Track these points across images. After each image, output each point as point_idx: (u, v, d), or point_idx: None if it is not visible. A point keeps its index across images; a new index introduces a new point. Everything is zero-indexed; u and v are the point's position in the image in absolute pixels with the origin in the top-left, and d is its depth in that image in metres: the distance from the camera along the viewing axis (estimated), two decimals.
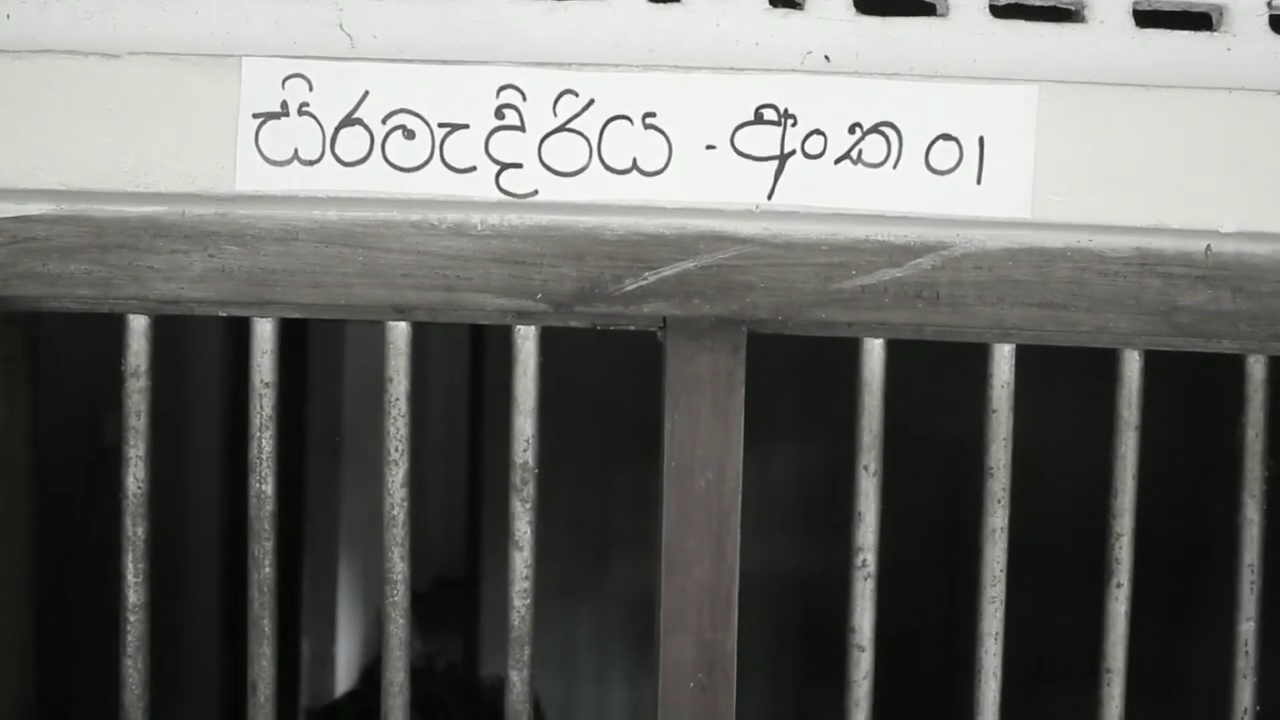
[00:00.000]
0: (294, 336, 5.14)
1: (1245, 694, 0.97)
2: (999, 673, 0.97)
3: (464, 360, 4.63)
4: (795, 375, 3.89)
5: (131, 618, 0.97)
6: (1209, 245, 0.89)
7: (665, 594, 0.92)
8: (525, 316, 0.91)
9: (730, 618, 0.92)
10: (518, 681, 0.95)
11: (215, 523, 3.93)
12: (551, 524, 4.19)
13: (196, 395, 3.90)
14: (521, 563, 0.95)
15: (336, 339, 5.15)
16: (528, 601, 0.95)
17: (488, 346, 4.33)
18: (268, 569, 0.97)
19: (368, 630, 3.88)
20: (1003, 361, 0.94)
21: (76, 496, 2.68)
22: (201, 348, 3.93)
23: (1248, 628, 0.97)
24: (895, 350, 0.94)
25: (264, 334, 0.96)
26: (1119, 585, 0.97)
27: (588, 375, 4.01)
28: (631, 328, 0.91)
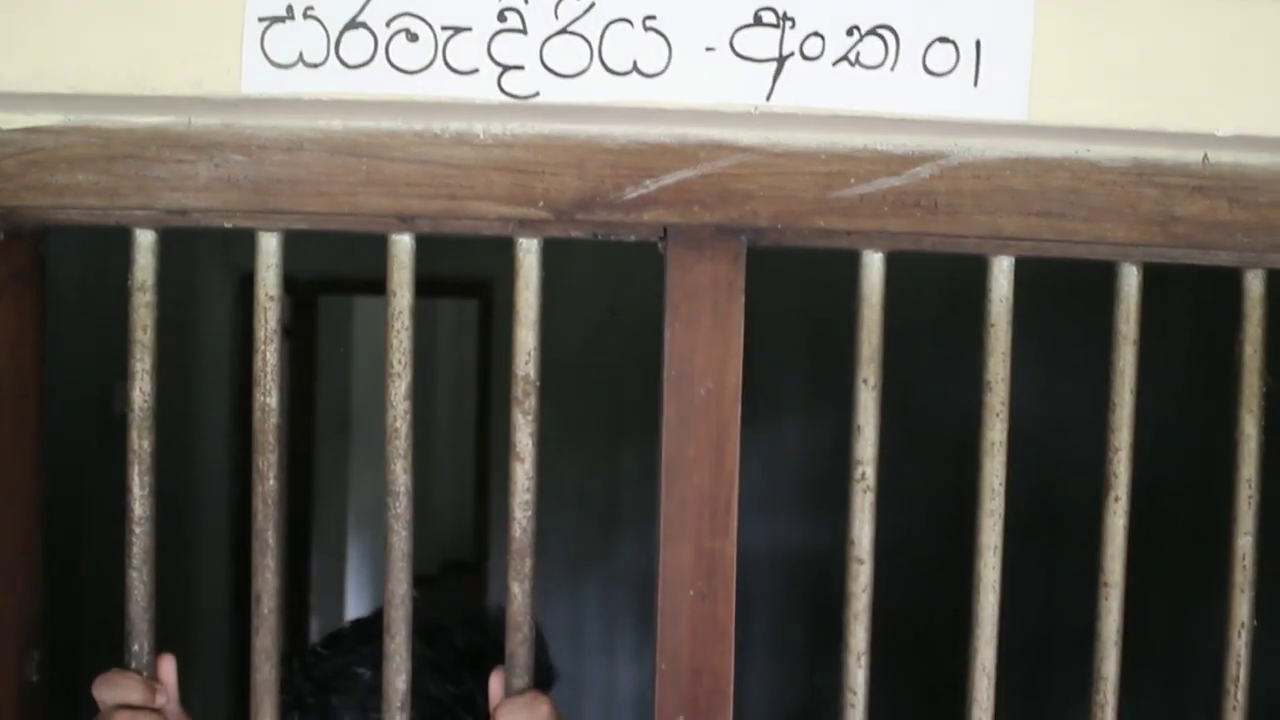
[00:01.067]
0: (304, 319, 5.16)
1: (1243, 608, 0.98)
2: (998, 586, 0.97)
3: (471, 348, 4.66)
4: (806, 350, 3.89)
5: (137, 530, 0.98)
6: (1206, 155, 0.90)
7: (665, 503, 0.93)
8: (527, 225, 0.92)
9: (730, 526, 0.92)
10: (519, 594, 0.96)
11: (225, 445, 3.96)
12: (561, 504, 4.18)
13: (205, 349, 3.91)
14: (523, 474, 0.95)
15: (345, 320, 5.16)
16: (529, 514, 0.96)
17: (494, 335, 4.35)
18: (272, 482, 0.98)
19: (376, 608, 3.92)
20: (1001, 276, 0.95)
21: (87, 467, 2.70)
22: (213, 306, 3.94)
23: (1245, 542, 0.98)
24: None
25: (269, 248, 0.97)
26: (1117, 499, 0.97)
27: (597, 355, 4.03)
28: (632, 238, 0.92)
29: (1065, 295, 2.56)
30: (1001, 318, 0.96)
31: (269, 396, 0.97)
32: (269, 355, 0.97)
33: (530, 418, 0.96)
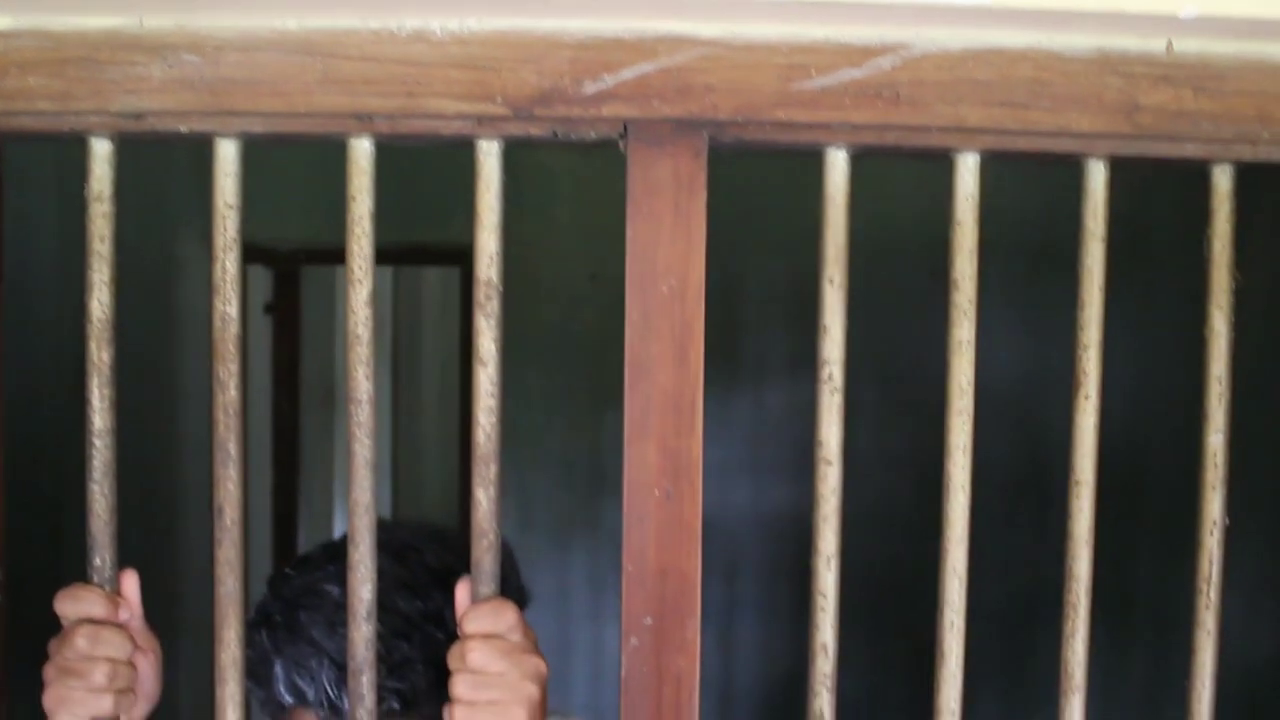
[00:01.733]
0: (288, 292, 5.13)
1: (1215, 506, 0.97)
2: (968, 486, 0.97)
3: (455, 327, 4.65)
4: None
5: (98, 443, 0.97)
6: (1170, 42, 0.89)
7: (629, 402, 0.92)
8: (486, 123, 0.90)
9: (695, 425, 0.92)
10: (484, 500, 0.95)
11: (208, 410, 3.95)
12: (545, 471, 4.17)
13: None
14: (486, 380, 0.95)
15: (328, 294, 5.14)
16: (494, 419, 0.95)
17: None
18: (233, 392, 0.97)
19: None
20: (966, 173, 0.94)
21: (64, 433, 2.69)
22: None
23: (1216, 440, 0.97)
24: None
25: (227, 156, 0.95)
26: (1086, 398, 0.97)
27: (578, 321, 4.02)
28: (592, 134, 0.91)
29: (1051, 261, 2.55)
30: (968, 215, 0.95)
31: (228, 305, 0.96)
32: (228, 264, 0.96)
33: (493, 322, 0.95)
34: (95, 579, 0.98)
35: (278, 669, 1.09)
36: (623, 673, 0.93)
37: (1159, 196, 3.91)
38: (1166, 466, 3.80)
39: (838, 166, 0.94)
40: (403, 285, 5.88)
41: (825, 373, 0.95)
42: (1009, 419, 3.93)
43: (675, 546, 0.92)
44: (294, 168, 3.14)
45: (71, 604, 0.96)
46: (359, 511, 0.96)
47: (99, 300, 0.96)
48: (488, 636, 0.94)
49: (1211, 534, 0.97)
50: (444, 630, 1.09)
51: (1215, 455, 0.97)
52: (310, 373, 4.97)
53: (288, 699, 1.09)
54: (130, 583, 0.99)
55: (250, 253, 3.49)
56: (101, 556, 0.98)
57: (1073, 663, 0.98)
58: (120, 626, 0.97)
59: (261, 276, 5.16)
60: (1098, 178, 0.95)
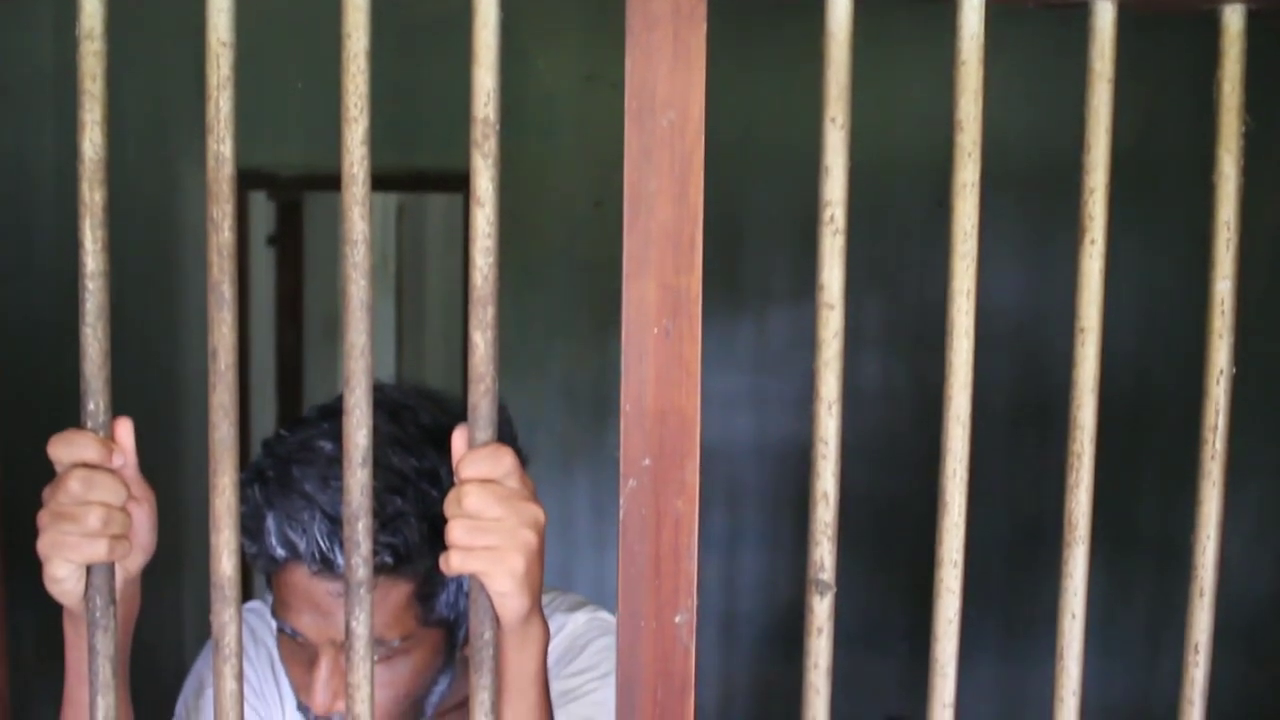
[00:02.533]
0: (291, 224, 5.11)
1: (1221, 355, 0.96)
2: (972, 332, 0.95)
3: (458, 261, 4.63)
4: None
5: (90, 285, 0.96)
6: None
7: (627, 239, 0.91)
8: None
9: (694, 262, 0.90)
10: (481, 343, 0.94)
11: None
12: (549, 397, 4.17)
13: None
14: (483, 220, 0.93)
15: (331, 226, 5.12)
16: (490, 260, 0.94)
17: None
18: (227, 233, 0.96)
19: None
20: (971, 13, 0.92)
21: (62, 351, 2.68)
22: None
23: (1224, 287, 0.96)
24: None
25: None
26: (1093, 242, 0.95)
27: (583, 247, 4.00)
28: None
29: (1053, 189, 2.53)
30: (972, 55, 0.93)
31: (222, 145, 0.95)
32: (221, 102, 0.94)
33: (490, 161, 0.94)
34: (89, 424, 0.97)
35: (269, 522, 1.08)
36: (621, 515, 0.92)
37: (1166, 129, 3.88)
38: (1170, 400, 3.80)
39: (840, 4, 0.92)
40: (406, 219, 5.86)
41: (827, 214, 0.93)
42: (1013, 347, 3.91)
43: (674, 385, 0.91)
44: (295, 92, 3.12)
45: (65, 448, 0.95)
46: (354, 355, 0.95)
47: (90, 140, 0.95)
48: (484, 481, 0.94)
49: (1218, 383, 0.96)
50: (438, 488, 1.08)
51: (1223, 302, 0.95)
52: (313, 305, 4.97)
53: (279, 552, 1.08)
54: (125, 430, 0.98)
55: (251, 178, 3.50)
56: (95, 402, 0.97)
57: (1076, 514, 0.97)
58: (114, 473, 0.97)
59: (264, 208, 5.14)
60: (1105, 17, 0.93)
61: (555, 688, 1.11)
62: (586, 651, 1.25)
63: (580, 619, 1.30)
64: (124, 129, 3.66)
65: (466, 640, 1.11)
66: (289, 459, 1.10)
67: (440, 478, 1.08)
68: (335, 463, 1.08)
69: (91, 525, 0.94)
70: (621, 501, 0.92)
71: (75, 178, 0.95)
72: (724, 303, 4.03)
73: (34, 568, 0.96)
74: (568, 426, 3.98)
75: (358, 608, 0.96)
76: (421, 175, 3.97)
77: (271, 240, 5.33)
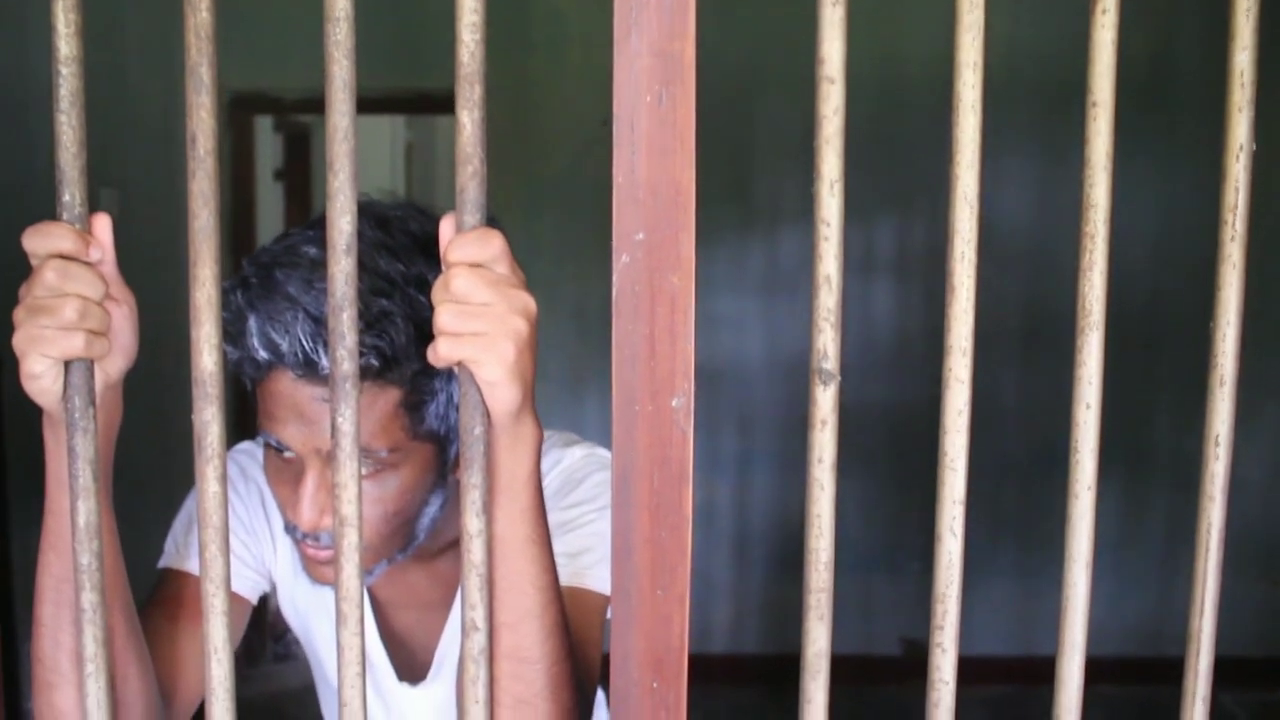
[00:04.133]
0: (298, 157, 5.07)
1: (1241, 129, 0.92)
2: (975, 200, 0.91)
3: None
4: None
5: (64, 71, 0.92)
6: None
7: (617, 2, 0.87)
8: None
9: (687, 28, 0.86)
10: (468, 123, 0.90)
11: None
12: (558, 319, 4.14)
13: None
14: (469, 10, 0.89)
15: None
16: (477, 37, 0.89)
17: None
18: (204, 13, 0.92)
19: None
20: None
21: None
22: None
23: (1243, 58, 0.91)
24: None
25: None
26: (1094, 104, 0.91)
27: (590, 167, 3.95)
28: None
29: (1065, 106, 2.47)
30: None
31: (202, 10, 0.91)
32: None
33: None
34: (65, 217, 0.94)
35: (251, 324, 1.05)
36: (614, 295, 0.89)
37: (1180, 38, 3.81)
38: (1185, 324, 3.76)
39: None
40: (415, 156, 5.82)
41: None
42: (1027, 267, 3.87)
43: (668, 155, 0.87)
44: (296, 14, 3.07)
45: (40, 239, 0.92)
46: (338, 139, 0.91)
47: None
48: (473, 266, 0.90)
49: (1238, 159, 0.92)
50: (426, 294, 1.04)
51: (1242, 75, 0.91)
52: None
53: (262, 355, 1.05)
54: (103, 225, 0.95)
55: (255, 102, 3.45)
56: (70, 193, 0.94)
57: (1090, 298, 0.93)
58: (91, 267, 0.93)
59: (269, 142, 5.10)
60: None
61: (552, 519, 1.08)
62: (584, 485, 1.22)
63: (577, 454, 1.26)
64: (126, 48, 3.62)
65: (458, 462, 1.08)
66: (272, 264, 1.07)
67: (428, 284, 1.05)
68: (319, 266, 1.05)
69: (68, 317, 0.91)
70: (614, 280, 0.88)
71: None
72: (734, 223, 3.99)
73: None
74: (578, 348, 3.95)
75: (343, 404, 0.93)
76: (426, 97, 3.93)
77: (279, 175, 5.29)
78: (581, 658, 1.07)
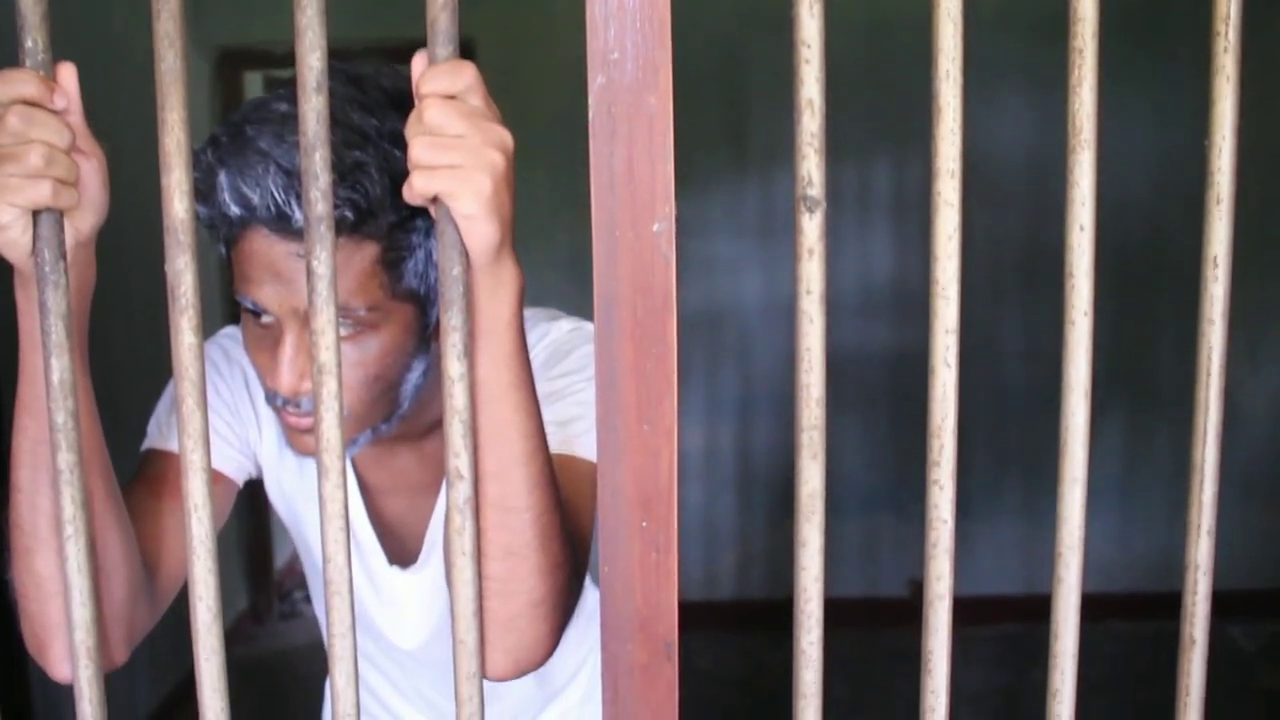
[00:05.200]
0: None
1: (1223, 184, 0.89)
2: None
3: None
4: None
5: None
6: None
7: None
8: None
9: None
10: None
11: None
12: (554, 266, 4.10)
13: None
14: None
15: None
16: None
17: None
18: None
19: None
20: None
21: None
22: None
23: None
24: None
25: None
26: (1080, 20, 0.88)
27: (585, 110, 3.92)
28: None
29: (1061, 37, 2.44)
30: None
31: None
32: None
33: None
34: (28, 63, 0.91)
35: (222, 178, 1.03)
36: (590, 117, 0.86)
37: None
38: (1186, 257, 3.73)
39: None
40: None
41: None
42: (1025, 201, 3.84)
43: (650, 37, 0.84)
44: None
45: (2, 85, 0.90)
46: None
47: None
48: (446, 98, 0.88)
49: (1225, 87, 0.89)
50: (401, 149, 1.02)
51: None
52: None
53: (234, 210, 1.03)
54: (68, 73, 0.93)
55: (244, 58, 3.41)
56: (33, 38, 0.91)
57: (1082, 115, 0.90)
58: (57, 114, 0.91)
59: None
60: None
61: (540, 390, 1.05)
62: (571, 356, 1.20)
63: (564, 327, 1.24)
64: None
65: (439, 328, 1.05)
66: (242, 121, 1.04)
67: (403, 139, 1.02)
68: (291, 120, 1.02)
69: (34, 164, 0.88)
70: (590, 102, 0.85)
71: None
72: (729, 165, 3.96)
73: None
74: (576, 296, 3.92)
75: (318, 246, 0.90)
76: (419, 43, 3.88)
77: None
78: (573, 525, 1.05)
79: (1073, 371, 0.93)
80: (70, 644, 0.97)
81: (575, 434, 1.12)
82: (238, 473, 1.26)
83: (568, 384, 1.16)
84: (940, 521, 0.94)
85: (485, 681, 0.94)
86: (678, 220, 0.88)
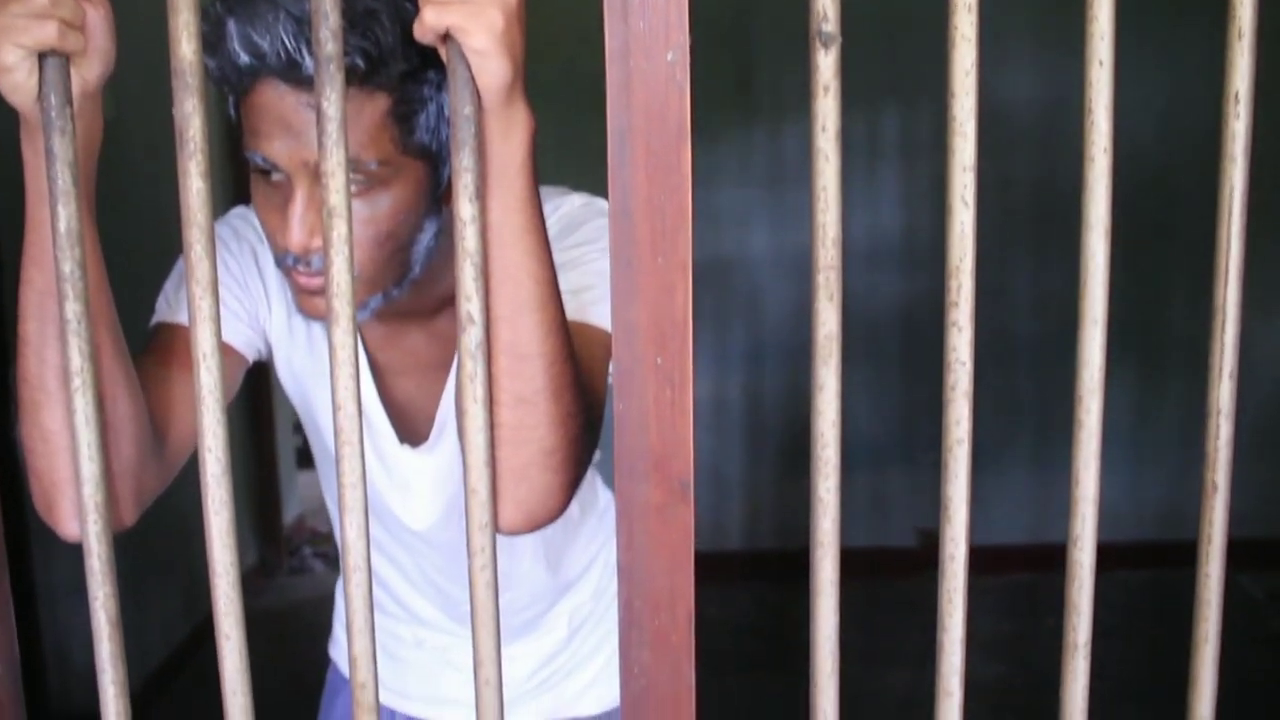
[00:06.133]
0: None
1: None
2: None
3: None
4: None
5: None
6: None
7: None
8: None
9: None
10: None
11: None
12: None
13: None
14: None
15: None
16: None
17: None
18: None
19: None
20: None
21: None
22: None
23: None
24: None
25: None
26: None
27: (587, 58, 3.90)
28: None
29: None
30: None
31: None
32: None
33: None
34: None
35: (231, 27, 1.01)
36: None
37: None
38: (1198, 206, 3.71)
39: None
40: None
41: None
42: (1036, 145, 3.82)
43: None
44: None
45: None
46: None
47: None
48: None
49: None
50: (413, 1, 1.01)
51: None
52: None
53: (244, 58, 1.02)
54: None
55: None
56: None
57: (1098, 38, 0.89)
58: None
59: None
60: None
61: (554, 259, 1.04)
62: (584, 228, 1.19)
63: (576, 201, 1.23)
64: None
65: (451, 190, 1.04)
66: None
67: None
68: None
69: (39, 3, 0.87)
70: None
71: None
72: (737, 116, 3.94)
73: None
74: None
75: (328, 88, 0.89)
76: None
77: None
78: (588, 388, 1.04)
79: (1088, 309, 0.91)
80: (79, 499, 0.96)
81: (588, 302, 1.11)
82: (246, 347, 1.25)
83: (581, 254, 1.15)
84: (959, 364, 0.93)
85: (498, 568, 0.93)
86: None
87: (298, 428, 4.85)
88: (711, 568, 3.75)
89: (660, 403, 0.89)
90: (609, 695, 1.49)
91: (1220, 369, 0.95)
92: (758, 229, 3.96)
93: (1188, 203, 3.76)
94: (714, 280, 3.91)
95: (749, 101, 3.91)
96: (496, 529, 0.94)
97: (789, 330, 3.96)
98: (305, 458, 4.93)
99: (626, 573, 0.92)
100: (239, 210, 1.31)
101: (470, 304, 0.92)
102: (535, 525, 1.00)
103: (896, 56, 3.78)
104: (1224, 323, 0.95)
